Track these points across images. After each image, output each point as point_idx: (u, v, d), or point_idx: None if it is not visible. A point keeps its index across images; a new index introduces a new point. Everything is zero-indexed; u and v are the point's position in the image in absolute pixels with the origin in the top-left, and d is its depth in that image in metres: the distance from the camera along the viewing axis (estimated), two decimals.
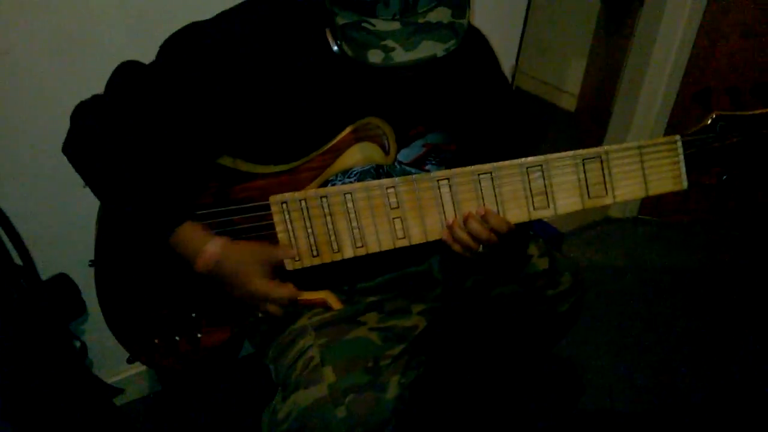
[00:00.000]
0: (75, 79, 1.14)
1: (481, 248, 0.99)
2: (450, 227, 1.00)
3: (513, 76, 2.05)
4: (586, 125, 2.96)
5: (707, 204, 2.54)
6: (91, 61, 1.12)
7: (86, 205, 1.13)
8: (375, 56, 0.87)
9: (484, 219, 0.97)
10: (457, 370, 1.51)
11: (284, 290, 1.01)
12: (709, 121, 0.92)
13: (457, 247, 1.01)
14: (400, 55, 0.86)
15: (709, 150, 0.93)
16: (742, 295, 2.24)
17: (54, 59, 1.26)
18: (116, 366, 1.21)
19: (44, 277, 1.38)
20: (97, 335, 1.14)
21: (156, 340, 1.13)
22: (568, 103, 3.46)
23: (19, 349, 1.18)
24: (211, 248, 0.99)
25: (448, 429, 1.59)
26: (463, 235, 0.99)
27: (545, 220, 2.25)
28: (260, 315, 1.07)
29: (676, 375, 1.89)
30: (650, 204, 2.62)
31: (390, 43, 0.86)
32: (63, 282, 1.38)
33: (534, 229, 1.95)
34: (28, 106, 1.27)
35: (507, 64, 2.01)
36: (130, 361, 1.17)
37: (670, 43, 2.27)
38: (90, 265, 1.16)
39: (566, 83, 3.48)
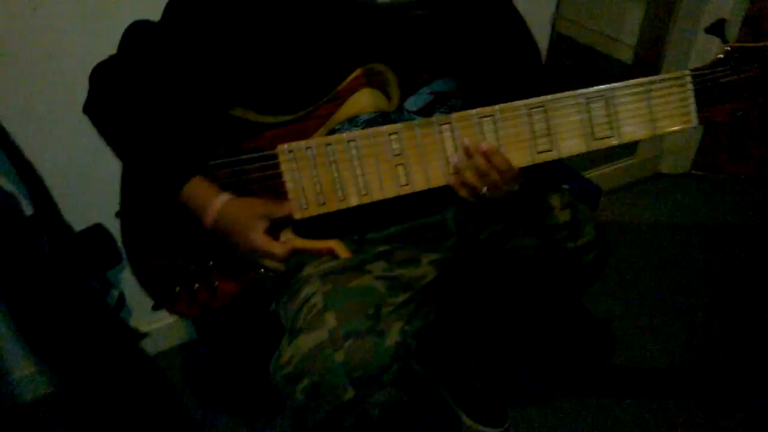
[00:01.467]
0: (102, 36, 1.18)
1: (486, 190, 0.98)
2: (455, 166, 0.99)
3: (552, 25, 1.97)
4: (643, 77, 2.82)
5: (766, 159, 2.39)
6: (114, 21, 1.15)
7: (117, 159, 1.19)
8: None
9: (485, 156, 0.96)
10: (474, 322, 1.50)
11: (279, 248, 1.03)
12: (722, 55, 0.85)
13: (463, 192, 1.00)
14: None
15: (722, 85, 0.87)
16: None
17: (80, 18, 1.31)
18: (154, 314, 1.27)
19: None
20: (136, 284, 1.20)
21: (177, 288, 1.18)
22: (625, 54, 3.30)
23: (49, 296, 1.25)
24: (216, 203, 1.02)
25: (462, 379, 1.60)
26: (468, 175, 0.98)
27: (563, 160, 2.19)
28: (262, 271, 1.09)
29: (713, 338, 1.82)
30: (705, 158, 2.49)
31: None
32: (98, 232, 1.44)
33: (570, 183, 1.91)
34: (57, 63, 1.32)
35: (547, 11, 1.93)
36: (155, 308, 1.22)
37: None
38: (116, 216, 1.21)
39: (623, 33, 3.32)
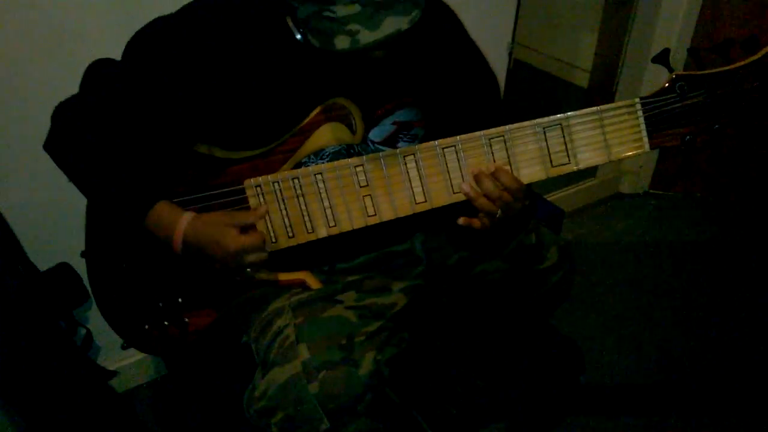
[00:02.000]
0: (69, 75, 1.18)
1: (500, 213, 0.99)
2: (467, 194, 1.00)
3: (510, 53, 2.03)
4: (599, 102, 2.91)
5: (720, 178, 2.49)
6: (84, 57, 1.16)
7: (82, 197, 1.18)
8: (342, 42, 0.87)
9: (494, 176, 0.97)
10: (446, 347, 1.52)
11: (255, 237, 1.02)
12: (667, 83, 0.90)
13: (484, 221, 1.01)
14: (366, 36, 0.86)
15: (670, 111, 0.91)
16: (753, 271, 2.19)
17: (47, 56, 1.31)
18: (124, 351, 1.26)
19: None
20: (104, 321, 1.19)
21: (146, 326, 1.17)
22: (581, 79, 3.40)
23: (14, 336, 1.23)
24: (183, 222, 1.01)
25: (437, 405, 1.60)
26: (482, 202, 0.99)
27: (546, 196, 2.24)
28: (248, 272, 1.06)
29: (681, 353, 1.87)
30: (662, 178, 2.58)
31: (354, 26, 0.86)
32: (64, 271, 1.43)
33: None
34: (21, 103, 1.32)
35: (503, 41, 1.99)
36: (124, 347, 1.21)
37: (676, 9, 2.23)
38: (81, 256, 1.20)
39: (578, 59, 3.43)
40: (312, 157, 1.07)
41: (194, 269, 1.11)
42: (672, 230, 2.43)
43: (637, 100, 0.92)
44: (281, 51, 1.03)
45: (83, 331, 1.50)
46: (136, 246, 1.13)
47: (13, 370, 1.26)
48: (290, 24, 1.01)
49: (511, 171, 0.98)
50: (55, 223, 1.45)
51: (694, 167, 2.50)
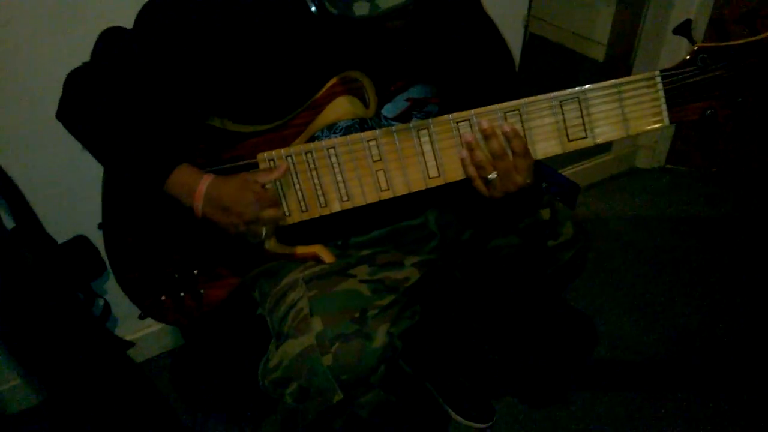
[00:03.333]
0: (74, 46, 1.18)
1: (494, 174, 0.97)
2: (467, 143, 0.98)
3: (525, 27, 1.99)
4: (615, 75, 2.87)
5: (737, 153, 2.45)
6: (87, 28, 1.15)
7: (98, 169, 1.19)
8: (361, 9, 0.86)
9: (506, 136, 0.95)
10: (459, 321, 1.53)
11: (272, 192, 1.03)
12: (689, 55, 0.88)
13: (471, 170, 0.99)
14: (386, 1, 0.85)
15: (691, 84, 0.89)
16: (766, 247, 2.17)
17: (52, 28, 1.30)
18: (141, 321, 1.28)
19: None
20: (122, 293, 1.20)
21: (163, 297, 1.18)
22: (598, 52, 3.34)
23: (33, 308, 1.25)
24: (205, 181, 1.02)
25: (450, 378, 1.62)
26: (479, 155, 0.97)
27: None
28: (263, 231, 1.05)
29: (696, 329, 1.86)
30: (678, 153, 2.54)
31: None
32: (81, 243, 1.44)
33: (548, 179, 1.94)
34: (32, 76, 1.32)
35: (518, 14, 1.96)
36: (141, 317, 1.23)
37: None
38: (99, 228, 1.21)
39: (595, 32, 3.36)
40: (325, 131, 1.07)
41: (211, 238, 1.11)
42: (688, 205, 2.41)
43: (657, 72, 0.90)
44: (295, 23, 1.02)
45: (101, 302, 1.52)
46: (153, 217, 1.14)
47: (33, 341, 1.28)
48: None
49: (526, 144, 0.97)
50: (72, 195, 1.46)
51: (712, 142, 2.46)
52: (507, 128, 0.95)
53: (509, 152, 0.97)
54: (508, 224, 1.23)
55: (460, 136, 0.99)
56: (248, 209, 1.01)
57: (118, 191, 1.17)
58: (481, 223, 1.25)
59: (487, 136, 0.97)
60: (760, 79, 0.87)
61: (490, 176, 0.98)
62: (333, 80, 1.03)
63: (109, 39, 1.06)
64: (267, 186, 1.04)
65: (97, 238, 1.42)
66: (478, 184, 1.00)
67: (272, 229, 1.07)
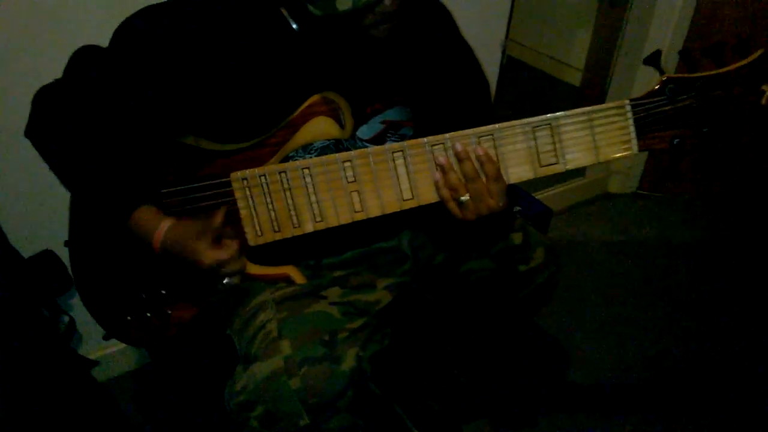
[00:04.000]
0: (52, 62, 1.17)
1: (467, 197, 0.97)
2: (441, 166, 0.97)
3: (503, 51, 2.02)
4: (590, 100, 2.92)
5: (709, 180, 2.50)
6: (69, 43, 1.14)
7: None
8: (344, 3, 0.88)
9: (480, 159, 0.95)
10: (430, 343, 1.52)
11: (228, 249, 1.01)
12: (657, 85, 0.90)
13: (444, 192, 0.98)
14: None
15: (659, 114, 0.91)
16: (737, 273, 2.21)
17: (31, 41, 1.29)
18: (105, 341, 1.25)
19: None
20: (86, 310, 1.18)
21: (129, 317, 1.16)
22: (574, 77, 3.41)
23: None
24: (160, 231, 1.01)
25: (420, 401, 1.61)
26: (452, 177, 0.97)
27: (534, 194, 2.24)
28: (225, 282, 1.05)
29: (665, 354, 1.88)
30: (651, 179, 2.59)
31: None
32: (48, 258, 1.41)
33: (521, 203, 1.95)
34: (3, 89, 1.30)
35: (497, 38, 1.99)
36: (106, 338, 1.20)
37: (670, 10, 2.24)
38: (65, 245, 1.19)
39: (571, 57, 3.43)
40: (300, 151, 1.07)
41: (175, 268, 1.10)
42: (660, 231, 2.44)
43: (627, 101, 0.91)
44: (274, 42, 1.02)
45: (66, 319, 1.48)
46: (120, 238, 1.12)
47: None
48: (285, 14, 1.01)
49: (499, 169, 0.98)
50: (40, 210, 1.44)
51: (683, 169, 2.51)
52: (480, 151, 0.95)
53: (482, 175, 0.97)
54: (480, 247, 1.23)
55: (434, 159, 0.99)
56: (205, 268, 1.00)
57: (83, 209, 1.15)
58: (453, 246, 1.25)
59: (460, 159, 0.97)
60: (725, 110, 0.89)
61: (462, 198, 0.98)
62: (310, 100, 1.02)
63: (84, 57, 1.05)
64: (239, 205, 1.03)
65: (64, 254, 1.39)
66: (452, 206, 0.99)
67: (235, 277, 1.06)
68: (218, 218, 1.01)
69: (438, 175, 0.99)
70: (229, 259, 1.01)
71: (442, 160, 0.97)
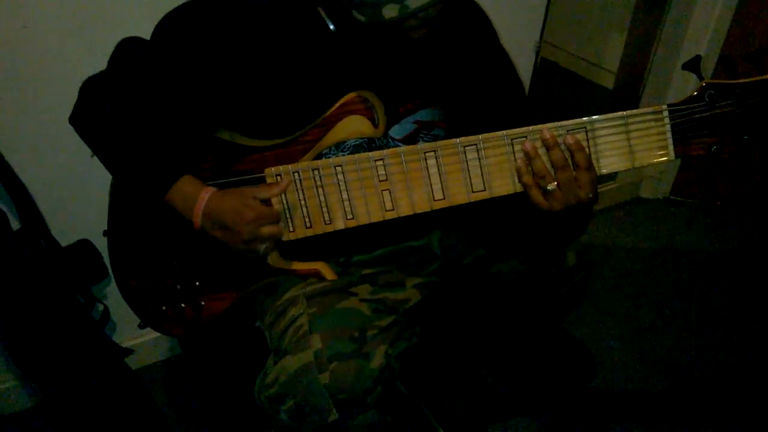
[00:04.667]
0: (90, 53, 1.20)
1: (553, 186, 0.94)
2: (527, 153, 0.95)
3: (537, 53, 2.01)
4: (623, 104, 2.89)
5: (742, 188, 2.45)
6: (106, 35, 1.17)
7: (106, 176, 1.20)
8: (390, 11, 0.89)
9: (570, 148, 0.93)
10: (457, 344, 1.52)
11: (272, 209, 1.03)
12: (696, 91, 0.89)
13: (527, 179, 0.96)
14: (414, 1, 0.88)
15: (698, 120, 0.90)
16: (766, 283, 2.16)
17: (70, 33, 1.32)
18: (138, 329, 1.28)
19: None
20: (122, 299, 1.21)
21: (164, 307, 1.18)
22: (607, 80, 3.37)
23: (33, 309, 1.25)
24: (205, 195, 1.02)
25: (446, 401, 1.61)
26: (539, 163, 0.94)
27: None
28: (261, 248, 1.05)
29: (693, 363, 1.85)
30: (683, 185, 2.55)
31: None
32: (85, 247, 1.45)
33: None
34: (45, 79, 1.34)
35: (531, 39, 1.98)
36: (141, 326, 1.23)
37: (708, 15, 2.20)
38: (104, 235, 1.22)
39: (605, 60, 3.39)
40: (333, 148, 1.08)
41: (214, 250, 1.12)
42: (690, 238, 2.40)
43: (665, 107, 0.91)
44: (311, 41, 1.03)
45: (101, 308, 1.52)
46: (157, 228, 1.15)
47: (31, 342, 1.28)
48: (323, 14, 1.02)
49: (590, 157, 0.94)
50: (80, 200, 1.48)
51: (717, 176, 2.46)
52: (570, 140, 0.93)
53: (572, 165, 0.94)
54: (559, 243, 1.20)
55: (522, 144, 0.96)
56: (246, 227, 1.01)
57: (124, 200, 1.18)
58: (493, 244, 1.24)
59: (549, 147, 0.94)
60: (765, 117, 0.88)
61: (549, 187, 0.95)
62: (344, 99, 1.04)
63: (127, 49, 1.08)
64: (273, 201, 1.05)
65: (101, 244, 1.43)
66: (535, 193, 0.96)
67: (271, 246, 1.07)
68: (273, 188, 1.03)
69: (520, 162, 0.96)
70: (272, 216, 1.02)
71: (527, 146, 0.95)
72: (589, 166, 0.94)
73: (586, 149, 0.94)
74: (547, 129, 0.94)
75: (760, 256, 2.31)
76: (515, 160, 0.97)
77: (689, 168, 2.50)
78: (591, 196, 0.95)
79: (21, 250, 1.26)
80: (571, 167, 0.94)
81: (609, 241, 2.38)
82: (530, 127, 0.96)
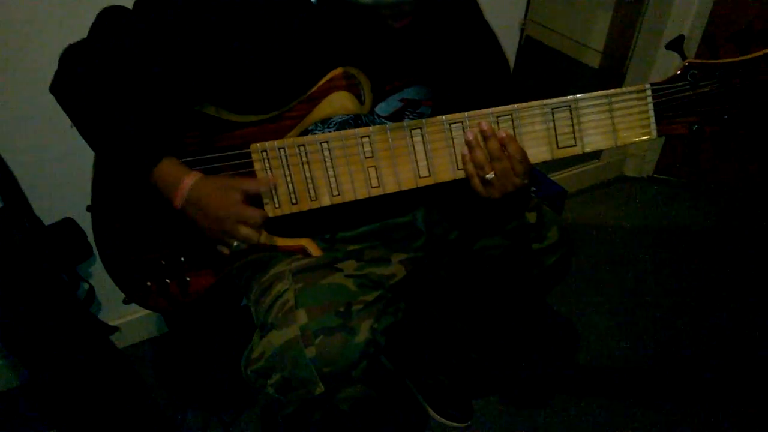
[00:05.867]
0: (77, 22, 1.17)
1: (491, 176, 0.98)
2: (468, 143, 0.99)
3: (521, 31, 2.01)
4: (609, 83, 2.90)
5: (725, 166, 2.49)
6: (93, 4, 1.16)
7: (89, 152, 1.18)
8: None
9: (502, 142, 0.96)
10: (442, 319, 1.54)
11: (255, 212, 1.02)
12: (679, 70, 0.90)
13: (470, 168, 1.00)
14: None
15: (680, 99, 0.91)
16: (752, 261, 2.21)
17: (52, 4, 1.30)
18: (125, 307, 1.28)
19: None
20: (106, 278, 1.20)
21: (148, 283, 1.18)
22: (593, 59, 3.37)
23: (18, 288, 1.25)
24: (187, 179, 1.02)
25: (430, 375, 1.64)
26: (478, 155, 0.98)
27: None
28: (235, 245, 1.07)
29: (677, 339, 1.89)
30: (667, 163, 2.58)
31: None
32: (69, 226, 1.44)
33: (537, 183, 1.96)
34: (25, 51, 1.32)
35: (515, 18, 1.98)
36: (125, 302, 1.23)
37: None
38: (87, 210, 1.21)
39: (591, 39, 3.39)
40: (319, 124, 1.08)
41: (191, 229, 1.12)
42: (674, 216, 2.44)
43: (648, 86, 0.92)
44: (295, 15, 1.02)
45: (86, 286, 1.52)
46: (142, 203, 1.14)
47: (16, 321, 1.28)
48: None
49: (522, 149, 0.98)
50: (62, 178, 1.46)
51: (700, 155, 2.49)
52: (503, 134, 0.96)
53: (507, 155, 0.97)
54: (497, 224, 1.24)
55: (463, 134, 1.00)
56: (225, 223, 1.01)
57: (108, 175, 1.17)
58: (468, 223, 1.26)
59: (486, 137, 0.97)
60: (746, 97, 0.89)
61: (487, 176, 0.98)
62: (330, 74, 1.03)
63: (109, 17, 1.06)
64: (255, 189, 1.05)
65: (85, 222, 1.42)
66: (476, 182, 1.00)
67: (243, 245, 1.07)
68: (259, 182, 1.04)
69: (465, 150, 1.00)
70: (254, 219, 1.02)
71: (469, 135, 0.98)
72: (523, 157, 0.97)
73: (516, 139, 0.98)
74: (485, 121, 0.98)
75: (740, 233, 2.34)
76: (454, 147, 1.01)
77: (672, 147, 2.53)
78: (525, 182, 0.99)
79: (5, 228, 1.25)
80: (508, 158, 0.97)
81: (593, 218, 2.41)
82: (516, 105, 0.97)
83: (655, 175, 2.63)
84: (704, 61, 0.89)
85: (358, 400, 1.06)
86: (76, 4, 1.30)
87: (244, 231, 1.02)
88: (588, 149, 0.97)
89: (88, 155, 1.18)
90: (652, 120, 0.93)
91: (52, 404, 1.42)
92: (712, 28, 2.19)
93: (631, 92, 0.93)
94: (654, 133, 0.94)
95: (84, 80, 1.02)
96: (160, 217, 1.14)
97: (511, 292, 1.34)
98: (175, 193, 1.02)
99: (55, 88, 1.06)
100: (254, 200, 1.06)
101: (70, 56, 1.05)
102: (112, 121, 1.02)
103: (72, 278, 1.48)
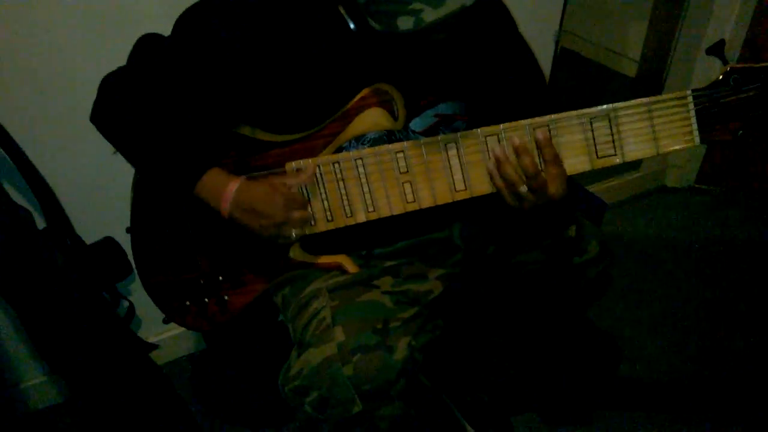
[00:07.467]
0: (116, 50, 1.21)
1: (525, 189, 0.96)
2: (496, 157, 0.98)
3: (556, 42, 1.99)
4: (646, 92, 2.85)
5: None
6: (126, 33, 1.19)
7: (129, 173, 1.21)
8: (405, 23, 0.89)
9: (538, 144, 0.95)
10: (481, 335, 1.52)
11: (301, 195, 1.05)
12: (721, 75, 0.87)
13: (498, 182, 0.99)
14: (430, 14, 0.87)
15: (723, 104, 0.88)
16: None
17: (89, 32, 1.34)
18: (164, 324, 1.30)
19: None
20: (145, 295, 1.22)
21: (187, 302, 1.20)
22: (629, 69, 3.32)
23: (60, 306, 1.27)
24: (232, 184, 1.03)
25: (470, 393, 1.61)
26: (508, 169, 0.97)
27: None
28: (294, 234, 1.07)
29: (722, 352, 1.83)
30: (709, 173, 2.51)
31: (417, 5, 0.87)
32: (109, 245, 1.47)
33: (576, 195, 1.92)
34: (69, 80, 1.36)
35: (550, 29, 1.96)
36: (165, 321, 1.24)
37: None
38: (127, 232, 1.23)
39: (627, 48, 3.34)
40: (353, 142, 1.08)
41: (237, 244, 1.12)
42: (717, 227, 2.37)
43: (689, 92, 0.89)
44: (331, 38, 1.04)
45: (126, 304, 1.54)
46: (180, 223, 1.16)
47: (58, 339, 1.30)
48: (343, 12, 1.02)
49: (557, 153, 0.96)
50: (103, 198, 1.50)
51: (743, 163, 2.42)
52: (540, 135, 0.95)
53: (541, 165, 0.96)
54: (535, 238, 1.22)
55: (497, 147, 0.98)
56: (278, 212, 1.03)
57: (147, 196, 1.19)
58: (506, 238, 1.24)
59: (518, 154, 0.96)
60: None
61: (521, 190, 0.97)
62: (363, 92, 1.04)
63: (146, 45, 1.09)
64: (293, 190, 1.06)
65: (125, 241, 1.45)
66: (506, 194, 0.99)
67: (302, 231, 1.09)
68: (296, 176, 1.06)
69: (491, 165, 0.99)
70: (302, 201, 1.05)
71: (497, 151, 0.97)
72: (556, 160, 0.96)
73: (552, 144, 0.96)
74: (518, 136, 0.97)
75: None
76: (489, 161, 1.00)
77: (715, 156, 2.46)
78: (561, 191, 0.97)
79: (48, 249, 1.28)
80: (541, 165, 0.96)
81: (634, 230, 2.35)
82: (553, 116, 0.96)
83: (696, 185, 2.57)
84: (747, 65, 0.86)
85: (397, 419, 1.04)
86: (118, 35, 1.34)
87: (298, 214, 1.05)
88: (628, 158, 0.95)
89: (128, 175, 1.20)
90: (695, 127, 0.90)
91: (93, 420, 1.44)
92: (753, 32, 2.13)
93: (671, 99, 0.90)
94: (697, 140, 0.91)
95: (124, 107, 1.05)
96: (198, 236, 1.15)
97: (551, 307, 1.31)
98: (223, 197, 1.03)
99: (95, 118, 1.09)
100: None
101: (109, 85, 1.08)
102: (156, 141, 1.04)
103: (113, 296, 1.50)
